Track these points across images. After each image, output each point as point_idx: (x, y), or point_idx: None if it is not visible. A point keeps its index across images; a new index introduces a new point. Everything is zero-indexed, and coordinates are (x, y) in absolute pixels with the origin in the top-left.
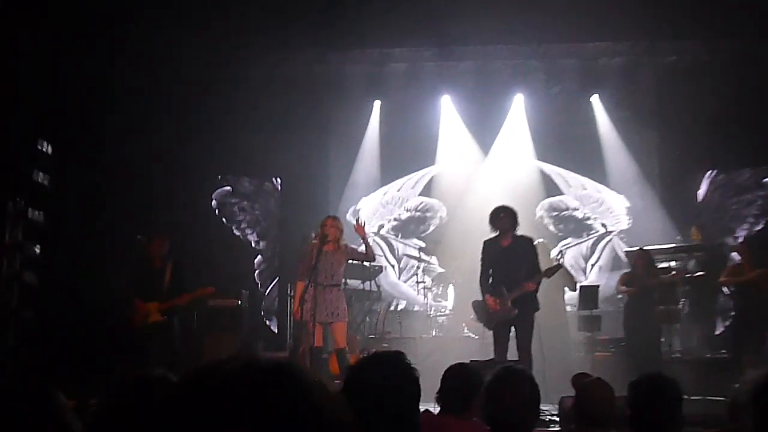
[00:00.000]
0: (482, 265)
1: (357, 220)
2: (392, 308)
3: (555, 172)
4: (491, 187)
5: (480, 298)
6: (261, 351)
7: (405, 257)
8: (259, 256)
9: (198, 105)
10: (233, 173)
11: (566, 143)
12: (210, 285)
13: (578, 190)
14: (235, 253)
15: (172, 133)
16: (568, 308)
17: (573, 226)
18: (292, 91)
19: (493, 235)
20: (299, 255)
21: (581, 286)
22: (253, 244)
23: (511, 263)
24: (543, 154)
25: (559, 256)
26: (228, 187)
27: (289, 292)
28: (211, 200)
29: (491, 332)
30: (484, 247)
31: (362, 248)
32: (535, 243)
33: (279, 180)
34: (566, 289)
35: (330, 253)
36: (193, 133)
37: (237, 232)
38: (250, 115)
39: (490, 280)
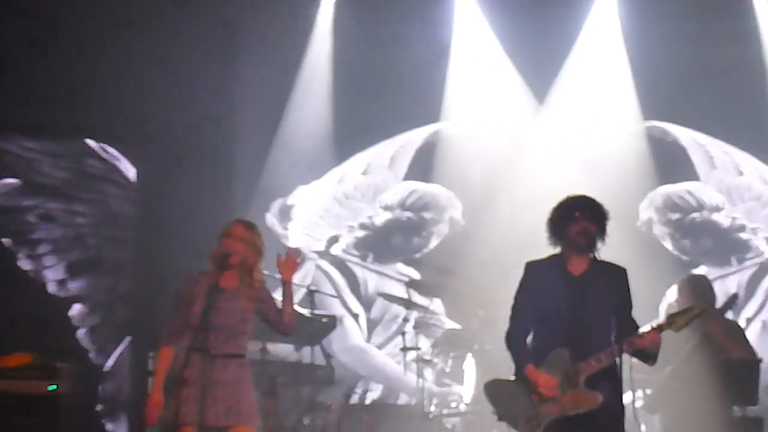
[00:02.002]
0: (517, 308)
1: (290, 251)
2: (355, 400)
3: (686, 137)
4: (552, 165)
5: (504, 374)
6: None
7: (380, 300)
8: (79, 305)
9: None
10: (26, 133)
11: (704, 81)
12: None
13: (727, 175)
14: (28, 303)
15: None
16: None
17: (711, 242)
18: None
19: (551, 254)
20: (175, 297)
21: (727, 362)
22: (54, 287)
23: (587, 310)
24: (658, 103)
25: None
26: (12, 180)
27: (151, 365)
28: None
29: None
30: (527, 274)
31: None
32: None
33: (128, 152)
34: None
35: (232, 293)
36: None
37: (29, 264)
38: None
39: (532, 338)
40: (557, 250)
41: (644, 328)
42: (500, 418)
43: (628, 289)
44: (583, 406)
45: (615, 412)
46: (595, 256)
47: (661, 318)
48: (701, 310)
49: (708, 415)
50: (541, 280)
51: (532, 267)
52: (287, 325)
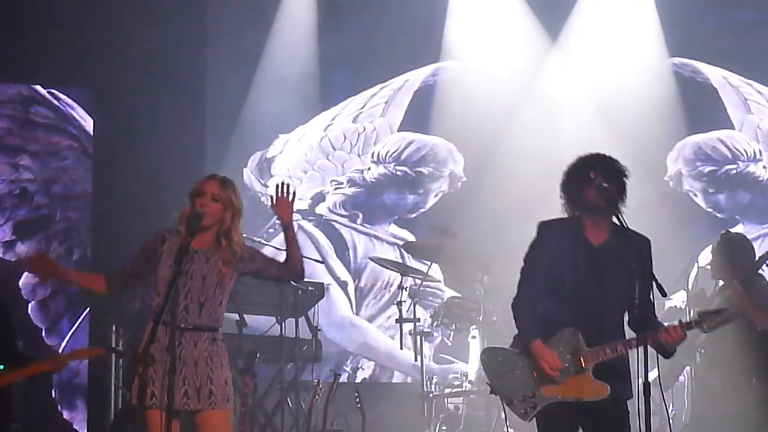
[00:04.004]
0: (528, 272)
1: (278, 188)
2: (345, 378)
3: (717, 77)
4: (567, 111)
5: (503, 343)
6: None
7: (371, 267)
8: (27, 272)
9: None
10: None
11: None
12: None
13: (764, 120)
14: None
15: None
16: None
17: (749, 197)
18: None
19: (569, 216)
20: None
21: (763, 333)
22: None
23: (604, 286)
24: (686, 39)
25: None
26: None
27: (114, 342)
28: None
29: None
30: (542, 234)
31: (275, 251)
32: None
33: (83, 98)
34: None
35: (206, 254)
36: None
37: None
38: None
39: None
40: (574, 212)
41: (674, 323)
42: (493, 391)
43: (651, 265)
44: (587, 395)
45: (623, 405)
46: (615, 223)
47: (688, 297)
48: (735, 317)
49: (739, 393)
50: (557, 244)
51: (547, 227)
52: (296, 265)
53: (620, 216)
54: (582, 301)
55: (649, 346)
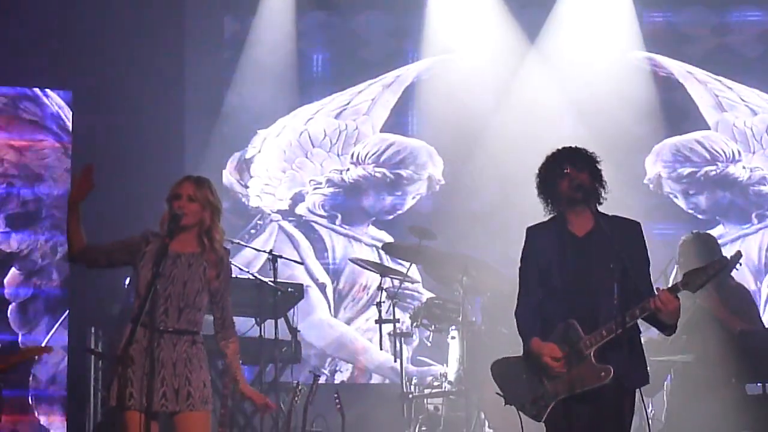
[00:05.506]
0: (523, 280)
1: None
2: (323, 380)
3: (689, 77)
4: (545, 115)
5: (490, 349)
6: None
7: (349, 269)
8: (15, 269)
9: None
10: None
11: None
12: None
13: (739, 117)
14: None
15: None
16: None
17: (729, 198)
18: None
19: (550, 216)
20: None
21: (742, 333)
22: None
23: (593, 274)
24: (663, 39)
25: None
26: None
27: (93, 344)
28: None
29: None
30: (528, 240)
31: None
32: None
33: (61, 98)
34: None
35: (188, 259)
36: None
37: None
38: None
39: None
40: (555, 212)
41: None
42: (507, 402)
43: (644, 245)
44: (592, 382)
45: (630, 383)
46: (598, 212)
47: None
48: (722, 266)
49: (718, 393)
50: (542, 244)
51: (531, 232)
52: (224, 347)
53: (596, 206)
54: (574, 292)
55: (647, 322)
